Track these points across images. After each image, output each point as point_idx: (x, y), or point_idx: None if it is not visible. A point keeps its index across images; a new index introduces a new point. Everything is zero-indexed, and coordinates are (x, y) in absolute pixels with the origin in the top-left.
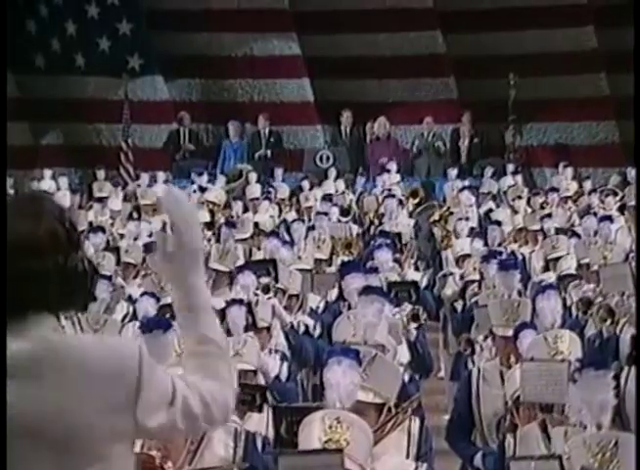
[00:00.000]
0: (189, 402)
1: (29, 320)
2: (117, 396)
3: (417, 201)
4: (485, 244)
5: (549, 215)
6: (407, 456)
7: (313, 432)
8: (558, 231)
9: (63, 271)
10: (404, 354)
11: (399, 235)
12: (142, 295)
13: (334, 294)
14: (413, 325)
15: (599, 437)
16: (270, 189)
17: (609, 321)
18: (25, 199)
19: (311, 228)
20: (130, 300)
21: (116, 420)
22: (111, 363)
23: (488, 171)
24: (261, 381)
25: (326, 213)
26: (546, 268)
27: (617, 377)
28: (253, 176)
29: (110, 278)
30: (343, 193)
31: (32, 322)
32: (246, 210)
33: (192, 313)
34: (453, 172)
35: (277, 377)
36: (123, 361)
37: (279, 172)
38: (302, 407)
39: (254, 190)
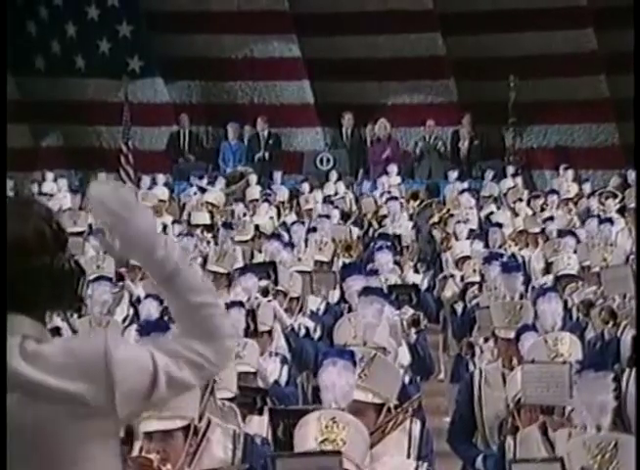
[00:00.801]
0: (174, 376)
1: (16, 323)
2: (91, 396)
3: (417, 203)
4: (486, 246)
5: (551, 218)
6: (408, 458)
7: (309, 432)
8: (560, 233)
9: (50, 271)
10: (405, 356)
11: (399, 237)
12: (145, 297)
13: (335, 295)
14: (413, 330)
15: (599, 438)
16: (269, 192)
17: (611, 323)
18: (13, 201)
19: (312, 230)
20: (139, 301)
21: (95, 420)
22: (78, 363)
23: (489, 174)
24: (261, 385)
25: (328, 216)
26: (547, 271)
27: (617, 379)
28: (254, 178)
29: (110, 279)
30: (343, 197)
31: (19, 326)
32: (247, 212)
33: (168, 284)
34: (454, 174)
35: (276, 382)
36: (89, 358)
37: (278, 175)
38: (300, 410)
39: (254, 192)
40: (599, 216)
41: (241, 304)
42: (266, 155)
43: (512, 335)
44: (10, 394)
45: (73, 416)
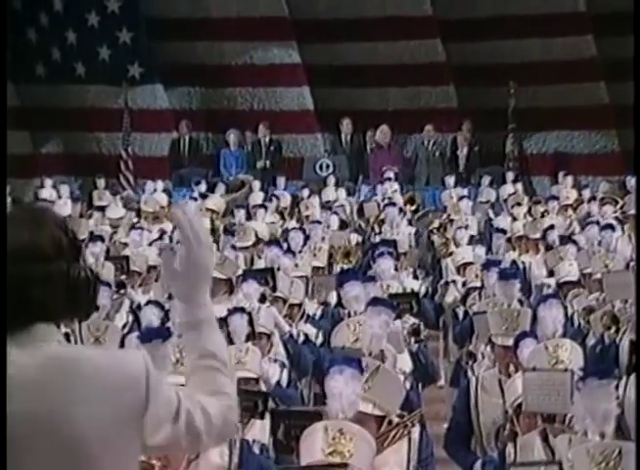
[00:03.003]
0: (193, 418)
1: (34, 330)
2: (126, 409)
3: (414, 208)
4: (489, 251)
5: (552, 227)
6: (408, 463)
7: (316, 443)
8: (561, 240)
9: (67, 279)
10: (407, 363)
11: (395, 243)
12: (146, 304)
13: (333, 297)
14: (413, 339)
15: (602, 446)
16: (272, 198)
17: (613, 329)
18: (28, 209)
19: (307, 237)
20: (139, 308)
21: (125, 433)
22: (119, 376)
23: (485, 180)
24: (263, 389)
25: (320, 222)
26: (550, 275)
27: (616, 385)
28: (257, 184)
29: (109, 285)
30: (342, 205)
31: (38, 333)
32: (248, 218)
33: (196, 329)
34: (450, 180)
35: (278, 383)
36: (131, 374)
37: (281, 181)
38: (301, 411)
39: (257, 198)
40: (598, 223)
41: (243, 310)
42: (268, 161)
43: (509, 342)
44: (40, 396)
45: (114, 423)
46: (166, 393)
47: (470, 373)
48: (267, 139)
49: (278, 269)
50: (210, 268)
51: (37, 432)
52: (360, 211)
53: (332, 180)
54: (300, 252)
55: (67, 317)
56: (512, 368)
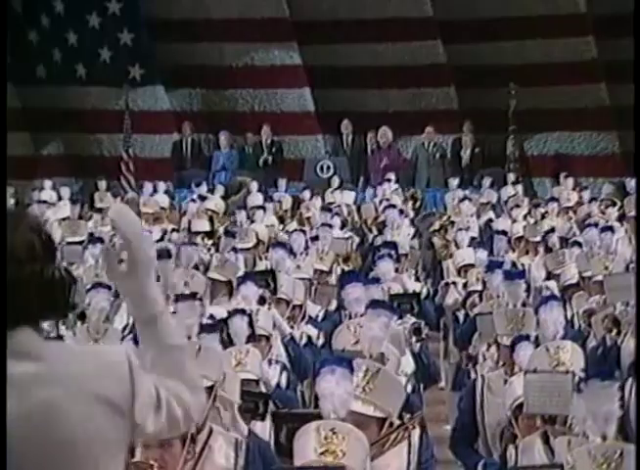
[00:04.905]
0: (172, 407)
1: (13, 332)
2: (113, 403)
3: (417, 205)
4: (490, 253)
5: (552, 230)
6: (408, 466)
7: (309, 443)
8: (561, 242)
9: (40, 280)
10: (409, 365)
11: (395, 244)
12: None
13: (333, 303)
14: (414, 339)
15: (604, 447)
16: (272, 200)
17: (614, 331)
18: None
19: (314, 239)
20: None
21: (114, 428)
22: (102, 371)
23: (487, 182)
24: (263, 390)
25: (330, 226)
26: (548, 278)
27: (622, 388)
28: (254, 185)
29: (109, 287)
30: (339, 206)
31: (18, 334)
32: (249, 219)
33: (151, 325)
34: (454, 182)
35: (277, 384)
36: (113, 366)
37: (282, 183)
38: (302, 414)
39: (255, 199)
40: (596, 225)
41: (243, 311)
42: (269, 162)
43: None
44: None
45: (102, 419)
46: (148, 384)
47: (473, 374)
48: (268, 141)
49: (279, 271)
50: (151, 264)
51: (29, 435)
52: (359, 213)
53: (336, 182)
54: (302, 254)
55: (44, 318)
56: (517, 369)
